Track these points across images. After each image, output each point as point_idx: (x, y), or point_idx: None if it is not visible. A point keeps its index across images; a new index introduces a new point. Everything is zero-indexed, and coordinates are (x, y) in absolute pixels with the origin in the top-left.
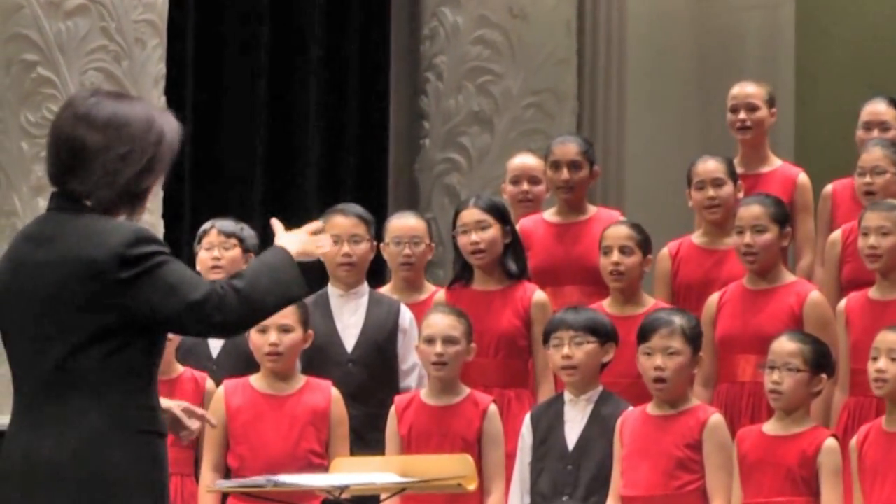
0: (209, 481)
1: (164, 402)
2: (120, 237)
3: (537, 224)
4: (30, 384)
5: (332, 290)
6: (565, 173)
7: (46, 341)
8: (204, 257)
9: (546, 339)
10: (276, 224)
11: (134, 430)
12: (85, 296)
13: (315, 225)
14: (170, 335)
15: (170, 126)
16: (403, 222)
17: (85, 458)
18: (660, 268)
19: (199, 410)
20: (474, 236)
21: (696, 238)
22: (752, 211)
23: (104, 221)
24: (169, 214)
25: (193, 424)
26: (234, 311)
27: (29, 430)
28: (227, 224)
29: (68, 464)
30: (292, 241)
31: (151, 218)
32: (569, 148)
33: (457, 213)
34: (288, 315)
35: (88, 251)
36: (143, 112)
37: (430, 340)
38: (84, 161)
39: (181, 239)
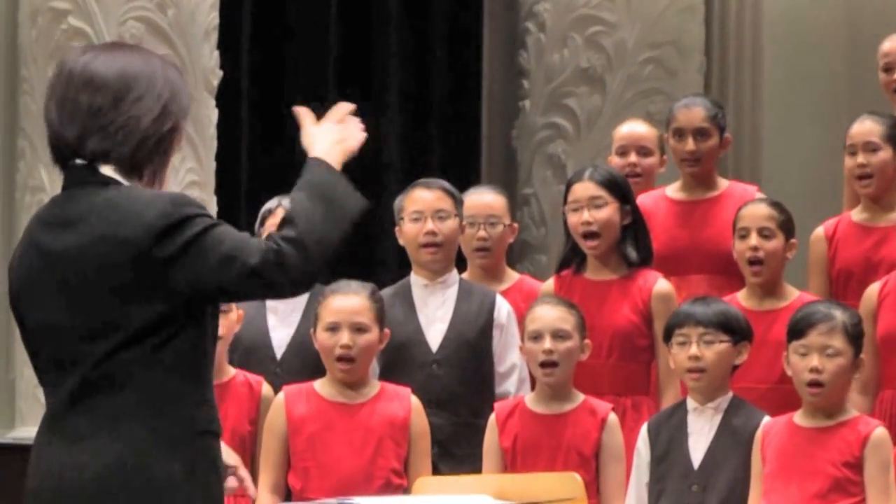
0: None
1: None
2: (154, 209)
3: (658, 202)
4: (63, 389)
5: (416, 279)
6: (690, 143)
7: (82, 338)
8: None
9: (669, 336)
10: (301, 116)
11: (189, 432)
12: (123, 283)
13: (340, 110)
14: (220, 332)
15: (176, 75)
16: (478, 199)
17: (134, 468)
18: (815, 251)
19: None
20: (586, 215)
21: (857, 215)
22: None
23: (134, 194)
24: (223, 192)
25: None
26: (297, 267)
27: (64, 443)
28: None
29: (115, 477)
30: (326, 148)
31: (202, 194)
32: (695, 113)
33: (568, 187)
34: (363, 312)
35: (121, 230)
36: (146, 59)
37: (536, 336)
38: (96, 119)
39: (238, 218)
